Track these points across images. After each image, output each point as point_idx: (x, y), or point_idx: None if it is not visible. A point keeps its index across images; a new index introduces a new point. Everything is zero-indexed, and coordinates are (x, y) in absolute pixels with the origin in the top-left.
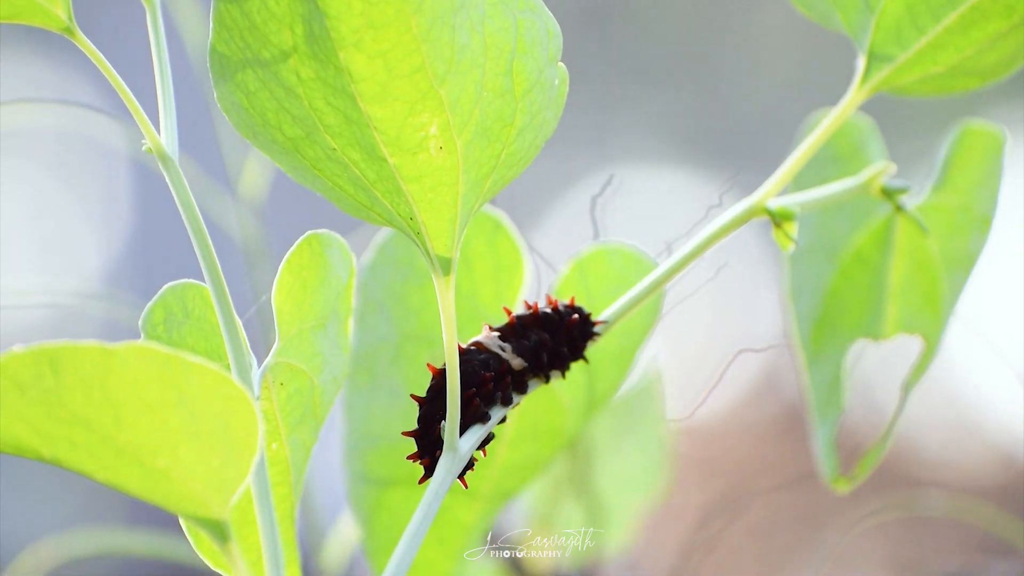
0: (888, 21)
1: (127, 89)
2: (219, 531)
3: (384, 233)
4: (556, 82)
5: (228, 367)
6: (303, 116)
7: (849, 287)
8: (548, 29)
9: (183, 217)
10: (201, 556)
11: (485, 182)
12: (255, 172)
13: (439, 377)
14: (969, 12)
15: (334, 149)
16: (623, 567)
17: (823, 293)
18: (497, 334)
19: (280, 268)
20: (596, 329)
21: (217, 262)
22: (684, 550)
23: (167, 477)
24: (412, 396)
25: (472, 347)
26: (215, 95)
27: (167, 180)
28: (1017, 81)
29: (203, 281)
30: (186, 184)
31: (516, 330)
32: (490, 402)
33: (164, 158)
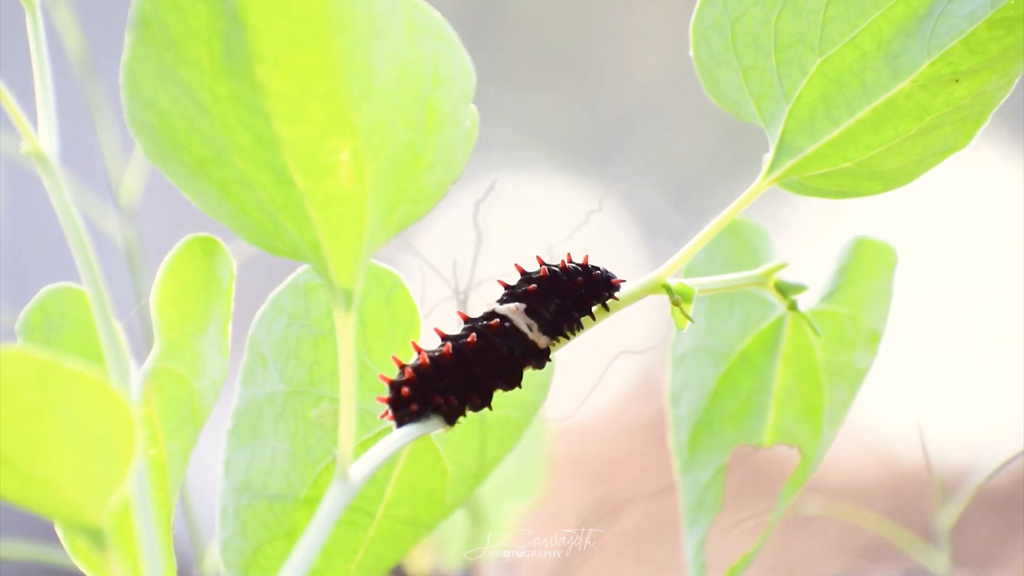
0: (802, 110)
1: (5, 91)
2: (97, 537)
3: (278, 287)
4: (467, 123)
5: (107, 372)
6: (214, 136)
7: (732, 391)
8: (463, 67)
9: (60, 220)
10: (78, 563)
11: (392, 215)
12: (137, 175)
13: (458, 351)
14: (883, 107)
15: (243, 171)
16: (502, 569)
17: (705, 396)
18: (524, 307)
19: (160, 272)
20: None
21: (95, 265)
22: (563, 553)
23: (44, 483)
24: (395, 359)
25: (500, 320)
26: (126, 115)
27: (45, 183)
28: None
29: (82, 284)
30: (64, 186)
31: (538, 298)
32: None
33: (43, 160)
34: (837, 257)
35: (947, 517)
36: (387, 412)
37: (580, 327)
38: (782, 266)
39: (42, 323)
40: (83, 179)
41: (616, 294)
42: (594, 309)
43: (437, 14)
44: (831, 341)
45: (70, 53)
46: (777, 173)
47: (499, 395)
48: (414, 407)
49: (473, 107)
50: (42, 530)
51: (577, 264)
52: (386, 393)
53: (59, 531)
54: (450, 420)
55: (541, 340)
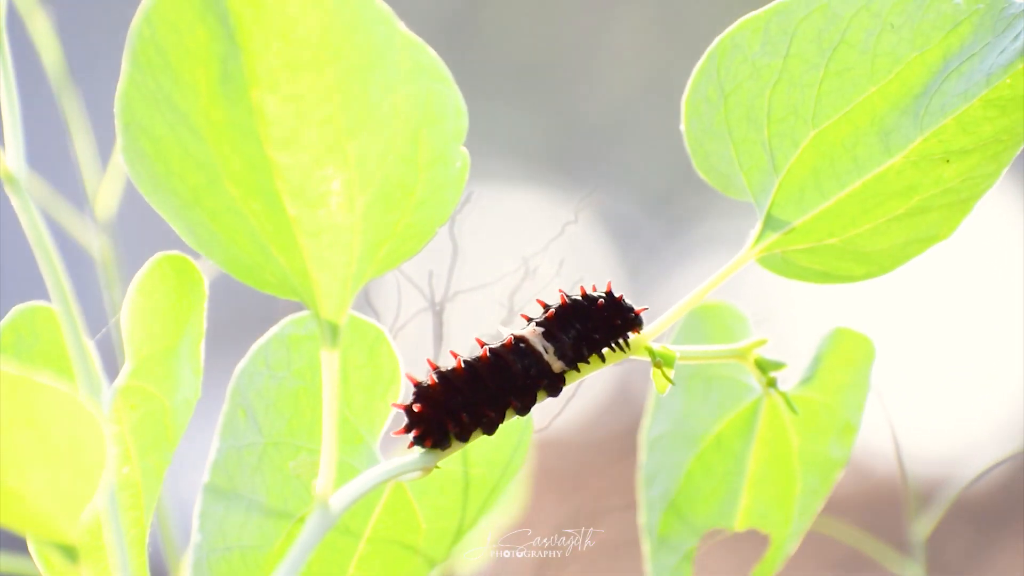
0: (792, 183)
1: None
2: (69, 553)
3: (261, 339)
4: (458, 164)
5: (77, 389)
6: (207, 162)
7: (705, 473)
8: (456, 107)
9: (30, 239)
10: None
11: (380, 250)
12: (113, 187)
13: (465, 373)
14: (873, 182)
15: (234, 199)
16: None
17: (678, 478)
18: (542, 330)
19: (129, 290)
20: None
21: (65, 284)
22: (538, 564)
23: (15, 498)
24: (408, 376)
25: (515, 339)
26: (120, 144)
27: (13, 203)
28: None
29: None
30: (32, 207)
31: (556, 324)
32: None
33: (11, 180)
34: (815, 345)
35: (922, 528)
36: (411, 443)
37: (601, 352)
38: (762, 342)
39: (14, 342)
40: (59, 192)
41: (639, 324)
42: (607, 347)
43: (433, 52)
44: (806, 427)
45: (46, 65)
46: (763, 245)
47: (479, 454)
48: (428, 442)
49: (464, 149)
50: (15, 543)
51: (600, 292)
52: (403, 421)
53: (31, 546)
54: (463, 438)
55: (556, 364)
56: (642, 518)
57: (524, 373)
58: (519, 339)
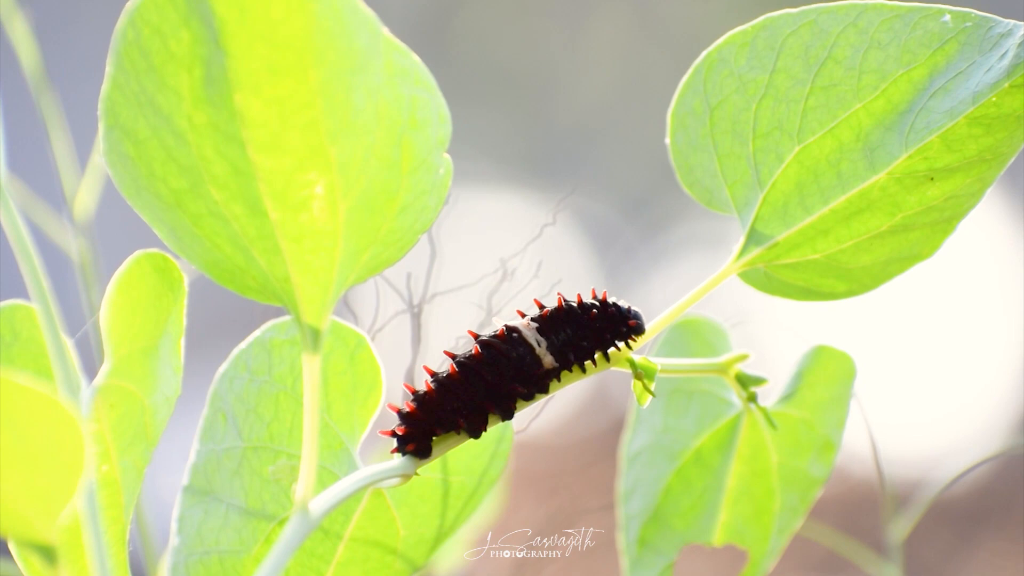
0: (776, 197)
1: None
2: (47, 554)
3: (242, 343)
4: (441, 171)
5: (56, 389)
6: (191, 165)
7: (684, 488)
8: (440, 113)
9: (10, 239)
10: None
11: (363, 255)
12: (92, 189)
13: (460, 375)
14: (857, 198)
15: (217, 203)
16: None
17: (657, 493)
18: (536, 325)
19: (109, 288)
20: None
21: (45, 283)
22: (517, 565)
23: None
24: (406, 385)
25: (508, 330)
26: (103, 147)
27: None
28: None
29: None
30: (12, 205)
31: (550, 324)
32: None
33: None
34: (796, 363)
35: (899, 530)
36: (395, 448)
37: (590, 361)
38: (744, 357)
39: None
40: (37, 193)
41: (635, 334)
42: (608, 350)
43: (417, 58)
44: (786, 443)
45: (24, 66)
46: (746, 259)
47: (458, 462)
48: (411, 447)
49: (447, 156)
50: None
51: (594, 300)
52: (396, 423)
53: (11, 547)
54: (475, 434)
55: (547, 359)
56: (620, 532)
57: (519, 362)
58: (512, 329)
